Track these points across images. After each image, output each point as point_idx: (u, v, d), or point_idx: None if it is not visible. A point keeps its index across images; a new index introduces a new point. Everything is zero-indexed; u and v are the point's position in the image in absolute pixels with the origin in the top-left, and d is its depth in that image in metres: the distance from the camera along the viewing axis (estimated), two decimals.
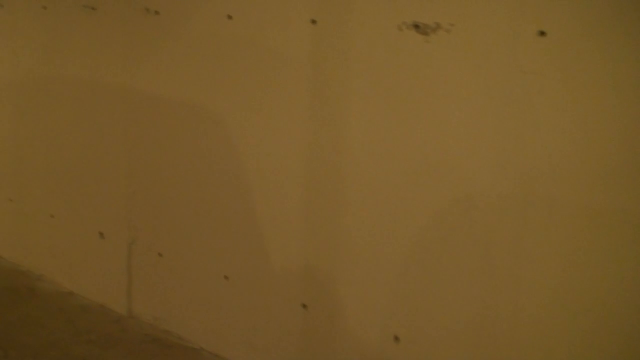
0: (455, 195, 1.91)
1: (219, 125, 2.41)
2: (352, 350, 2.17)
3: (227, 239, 2.48)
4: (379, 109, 2.02)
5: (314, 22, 2.11)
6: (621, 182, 1.63)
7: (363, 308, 2.14)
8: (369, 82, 2.03)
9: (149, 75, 2.60)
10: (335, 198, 2.15)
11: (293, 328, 2.32)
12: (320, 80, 2.13)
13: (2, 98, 3.28)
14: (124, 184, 2.80)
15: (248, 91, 2.32)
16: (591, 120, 1.66)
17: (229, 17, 2.31)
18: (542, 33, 1.70)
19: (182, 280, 2.67)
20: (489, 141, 1.83)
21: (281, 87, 2.23)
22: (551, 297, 1.76)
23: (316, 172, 2.19)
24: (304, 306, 2.29)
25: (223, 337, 2.55)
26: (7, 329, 2.79)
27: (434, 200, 1.95)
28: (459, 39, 1.84)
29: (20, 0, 3.05)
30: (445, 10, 1.85)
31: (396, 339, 2.06)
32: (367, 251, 2.10)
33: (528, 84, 1.74)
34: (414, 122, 1.95)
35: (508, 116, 1.78)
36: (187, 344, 2.66)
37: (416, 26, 1.90)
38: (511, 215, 1.81)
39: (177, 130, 2.56)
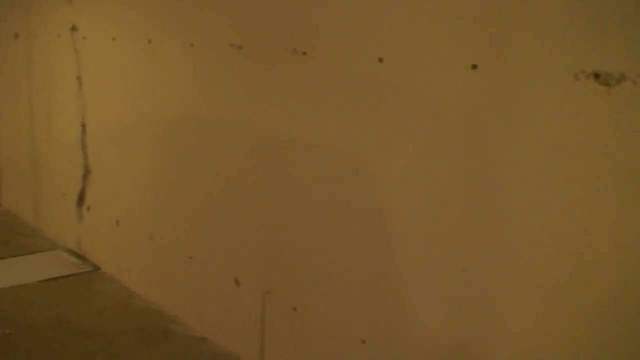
0: (629, 277, 1.61)
1: (363, 176, 2.23)
2: None
3: (366, 300, 2.27)
4: (547, 169, 1.75)
5: (474, 67, 1.89)
6: None
7: None
8: (535, 137, 1.76)
9: (292, 117, 2.46)
10: (491, 269, 1.90)
11: None
12: (478, 131, 1.89)
13: (148, 133, 3.26)
14: (262, 231, 2.67)
15: (397, 140, 2.12)
16: None
17: (380, 60, 2.12)
18: None
19: (316, 338, 2.48)
20: None
21: (433, 137, 2.01)
22: None
23: (469, 236, 1.94)
24: None
25: None
26: None
27: (607, 282, 1.66)
28: None
29: (168, 37, 3.03)
30: (632, 58, 1.57)
31: None
32: (529, 337, 1.83)
33: None
34: (588, 186, 1.67)
35: None
36: None
37: (596, 76, 1.63)
38: None
39: (319, 177, 2.40)
